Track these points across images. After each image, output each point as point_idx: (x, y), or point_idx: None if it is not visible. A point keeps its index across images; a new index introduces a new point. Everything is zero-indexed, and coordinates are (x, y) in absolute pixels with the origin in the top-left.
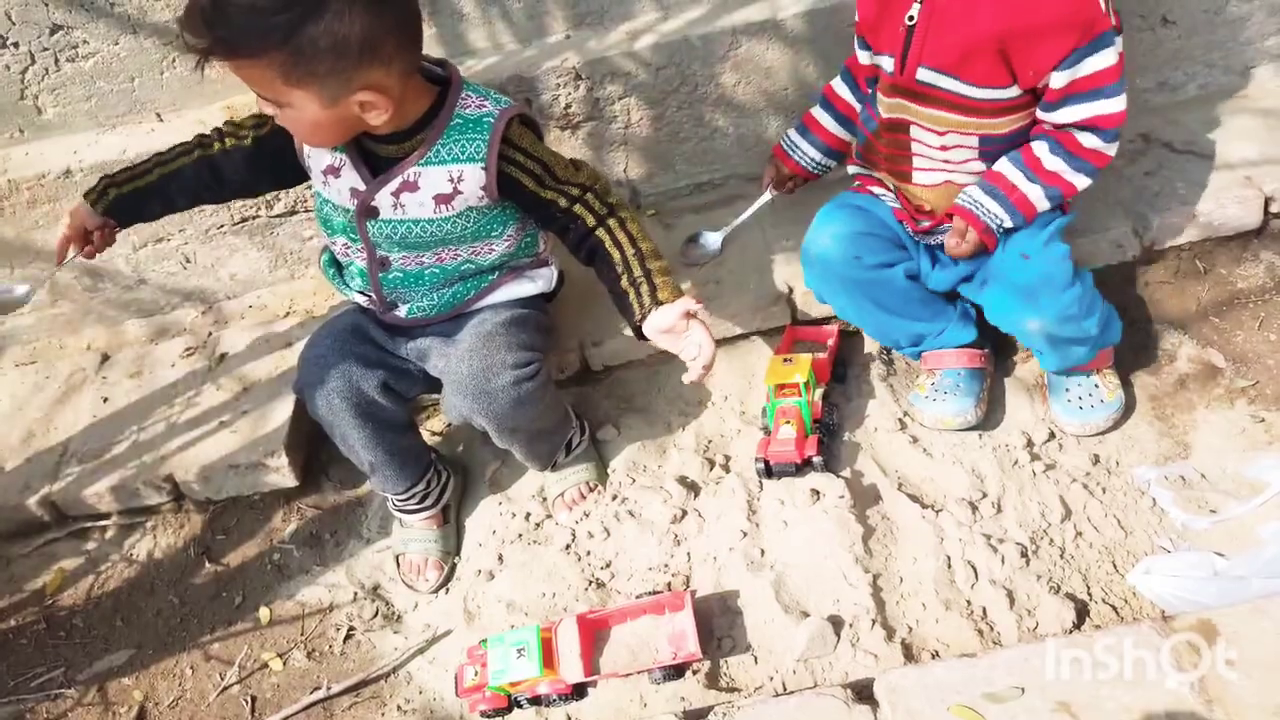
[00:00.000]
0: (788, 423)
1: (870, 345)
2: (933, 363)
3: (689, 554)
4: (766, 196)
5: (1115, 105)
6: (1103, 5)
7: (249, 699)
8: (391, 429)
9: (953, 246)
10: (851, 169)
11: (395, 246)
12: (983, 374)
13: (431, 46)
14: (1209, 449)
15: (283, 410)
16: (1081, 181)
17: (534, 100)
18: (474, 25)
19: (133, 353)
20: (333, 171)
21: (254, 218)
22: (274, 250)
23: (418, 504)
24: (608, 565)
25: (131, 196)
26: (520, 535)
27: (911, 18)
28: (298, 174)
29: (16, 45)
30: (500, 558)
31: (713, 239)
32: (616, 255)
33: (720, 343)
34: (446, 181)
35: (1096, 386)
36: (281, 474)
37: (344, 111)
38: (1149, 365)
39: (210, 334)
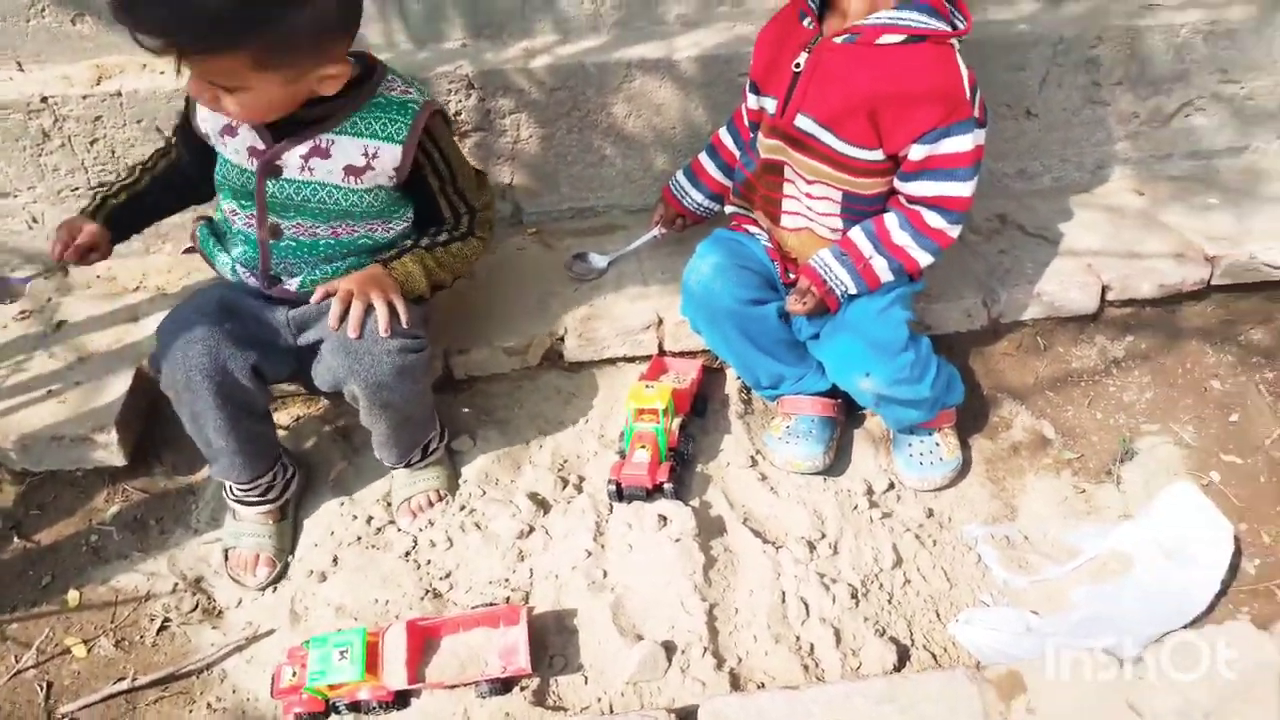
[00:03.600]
0: (643, 447)
1: (731, 385)
2: (789, 407)
3: (531, 570)
4: (654, 232)
5: (963, 190)
6: (967, 94)
7: (44, 684)
8: (250, 414)
9: (793, 303)
10: (729, 208)
11: (293, 212)
12: (834, 423)
13: None
14: (1034, 514)
15: (118, 385)
16: (924, 258)
17: None
18: (370, 20)
19: None
20: (230, 131)
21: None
22: None
23: (259, 496)
24: (447, 576)
25: (128, 204)
26: (359, 538)
27: (798, 65)
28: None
29: None
30: (335, 560)
31: (599, 259)
32: (425, 238)
33: (589, 365)
34: (360, 155)
35: (937, 444)
36: (109, 451)
37: (303, 87)
38: (986, 430)
39: (50, 299)
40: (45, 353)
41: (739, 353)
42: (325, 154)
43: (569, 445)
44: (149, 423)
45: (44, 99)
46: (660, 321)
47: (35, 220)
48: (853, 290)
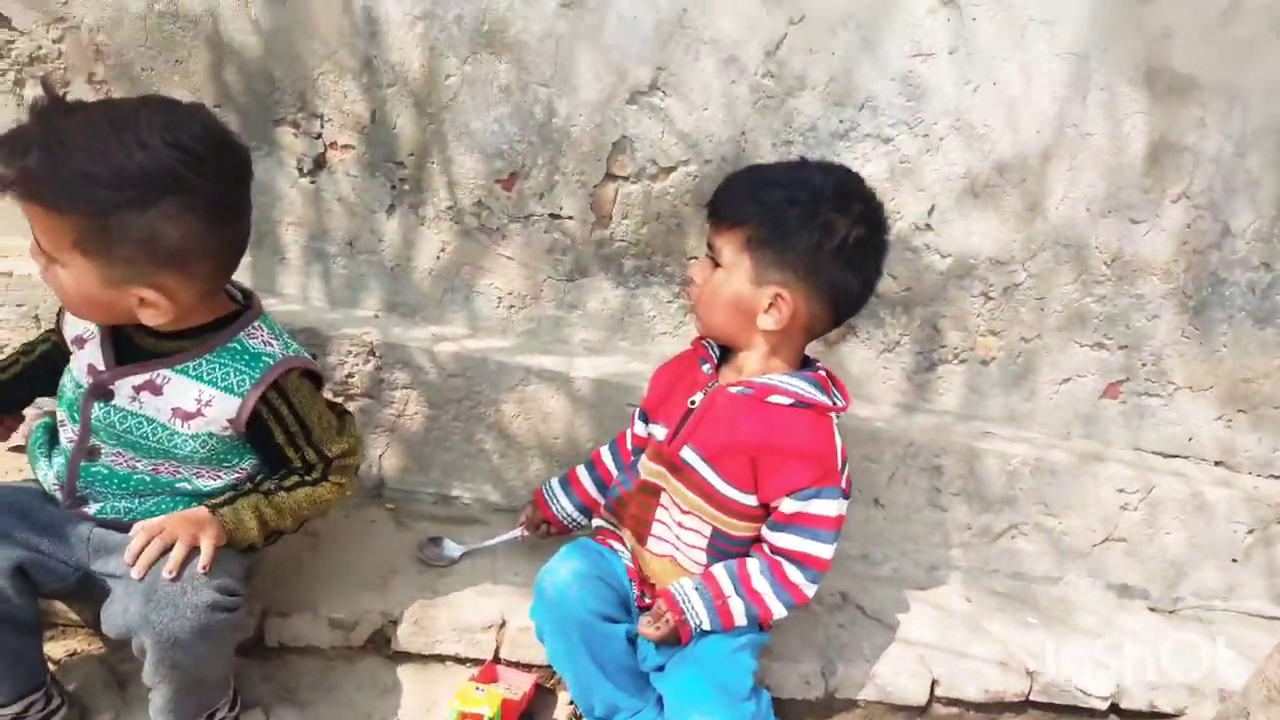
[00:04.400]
0: None
1: (562, 709)
2: None
3: None
4: (517, 532)
5: (825, 551)
6: (838, 466)
7: None
8: (8, 624)
9: (645, 624)
10: (597, 521)
11: (114, 439)
12: None
13: (242, 273)
14: None
15: None
16: (779, 610)
17: (318, 356)
18: (292, 271)
19: None
20: (79, 342)
21: None
22: None
23: None
24: None
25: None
26: None
27: (693, 402)
28: None
29: None
30: None
31: (453, 548)
32: (271, 480)
33: (416, 658)
34: (192, 400)
35: None
36: None
37: (120, 297)
38: None
39: None
40: None
41: (580, 670)
42: (157, 390)
43: None
44: None
45: None
46: (503, 624)
47: None
48: (706, 625)
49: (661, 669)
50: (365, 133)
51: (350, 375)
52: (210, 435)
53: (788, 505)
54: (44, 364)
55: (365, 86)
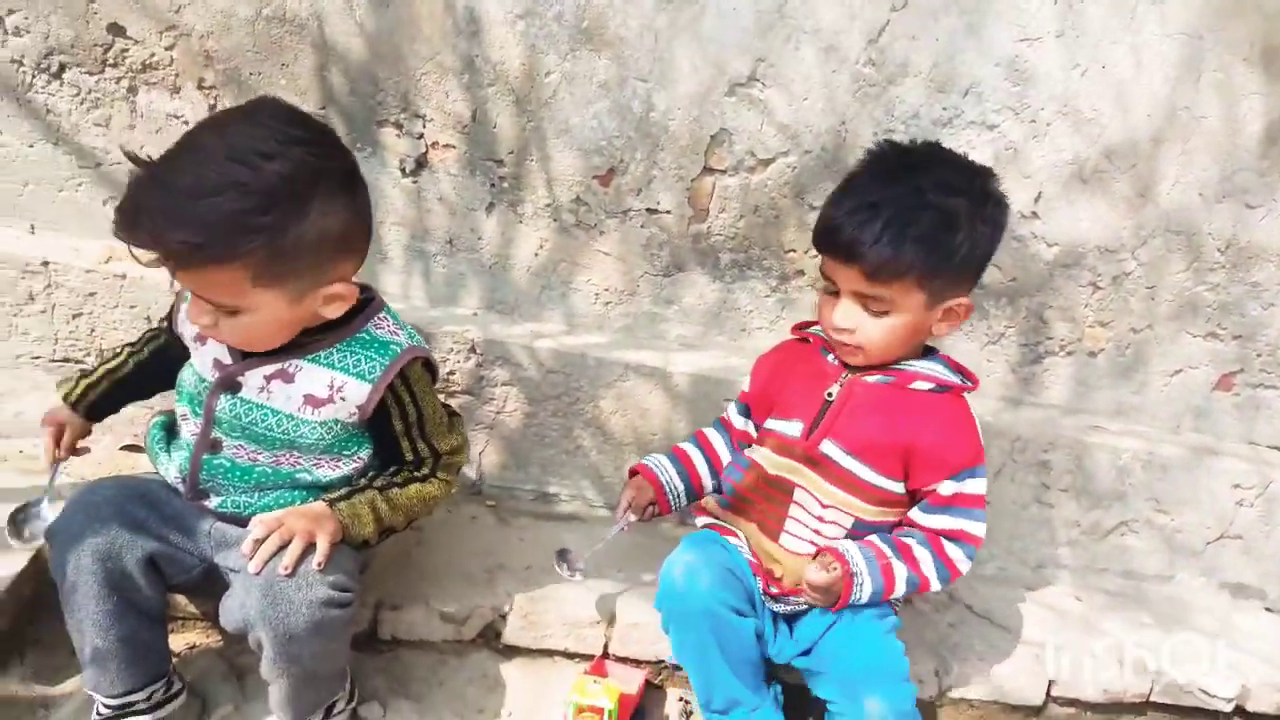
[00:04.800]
0: None
1: (671, 706)
2: None
3: None
4: (621, 524)
5: (979, 529)
6: (981, 443)
7: None
8: (136, 612)
9: (814, 570)
10: (702, 520)
11: (237, 432)
12: None
13: None
14: None
15: (9, 565)
16: (935, 582)
17: None
18: (393, 270)
19: None
20: (201, 339)
21: (78, 362)
22: None
23: (133, 713)
24: None
25: (110, 393)
26: None
27: (830, 394)
28: None
29: None
30: None
31: (578, 558)
32: (382, 478)
33: (524, 652)
34: (325, 386)
35: None
36: None
37: (307, 307)
38: None
39: None
40: None
41: (705, 662)
42: (289, 379)
43: None
44: (26, 615)
45: (45, 263)
46: (612, 620)
47: None
48: (868, 585)
49: (807, 653)
50: (466, 132)
51: (452, 373)
52: (336, 422)
53: (946, 488)
54: (153, 362)
55: (466, 86)
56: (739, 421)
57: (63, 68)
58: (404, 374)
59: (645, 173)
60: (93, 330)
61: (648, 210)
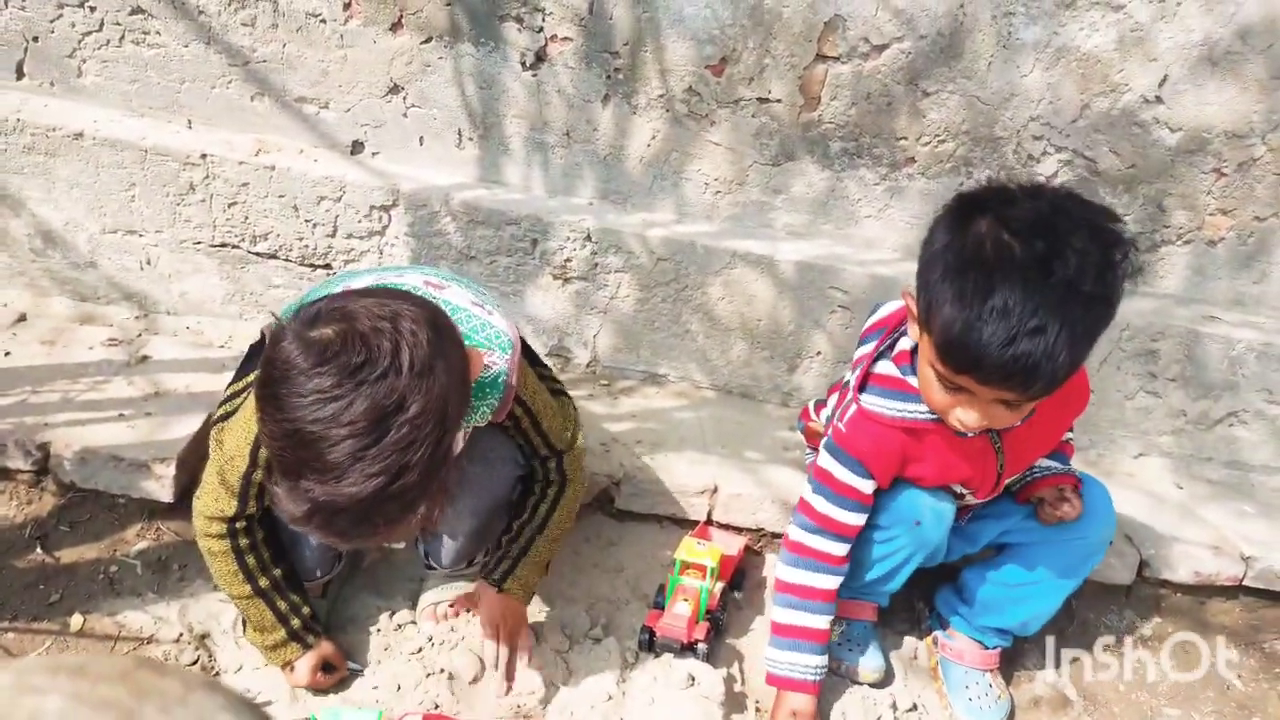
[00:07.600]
0: (685, 600)
1: (770, 569)
2: (849, 611)
3: (546, 701)
4: None
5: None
6: None
7: None
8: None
9: (1069, 510)
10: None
11: None
12: (880, 632)
13: (469, 166)
14: None
15: (188, 425)
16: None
17: (540, 242)
18: (515, 161)
19: (52, 324)
20: None
21: (234, 247)
22: (236, 284)
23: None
24: (459, 689)
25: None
26: (379, 631)
27: (1000, 452)
28: None
29: (92, 9)
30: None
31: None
32: (525, 517)
33: (635, 517)
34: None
35: (991, 687)
36: (161, 485)
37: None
38: (1011, 679)
39: (140, 335)
40: (124, 379)
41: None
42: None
43: (602, 589)
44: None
45: (204, 155)
46: (715, 490)
47: (149, 263)
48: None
49: (1000, 550)
50: (583, 24)
51: (568, 260)
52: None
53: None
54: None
55: None
56: (854, 519)
57: None
58: (517, 398)
59: (757, 61)
60: (246, 218)
61: (759, 99)
